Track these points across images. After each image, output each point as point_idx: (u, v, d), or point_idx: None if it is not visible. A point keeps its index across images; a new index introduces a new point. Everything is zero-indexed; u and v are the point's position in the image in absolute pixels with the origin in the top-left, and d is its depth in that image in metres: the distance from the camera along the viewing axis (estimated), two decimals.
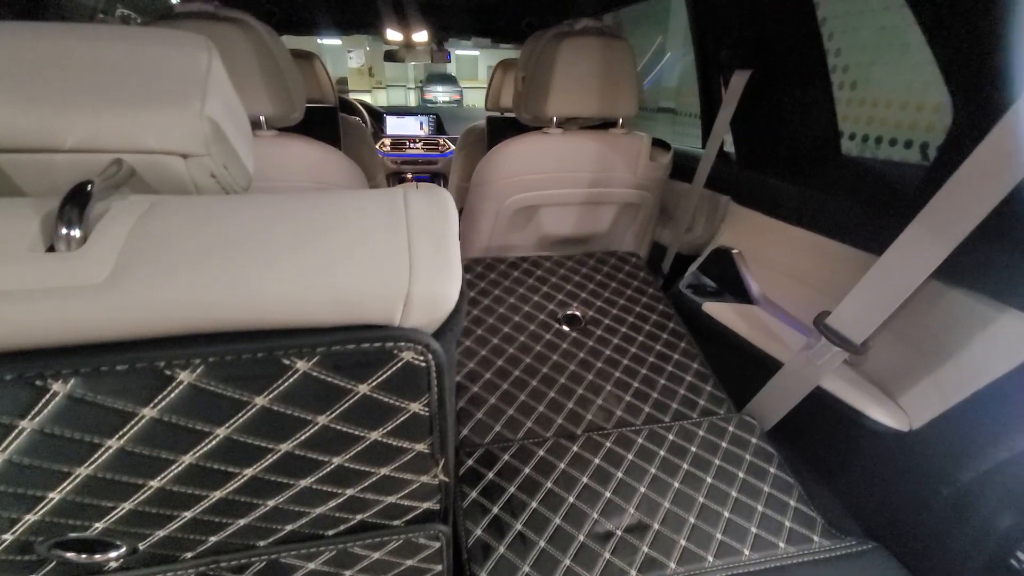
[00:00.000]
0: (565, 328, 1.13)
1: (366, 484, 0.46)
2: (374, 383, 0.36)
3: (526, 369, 1.03)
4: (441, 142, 3.17)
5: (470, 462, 0.84)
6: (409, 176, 3.18)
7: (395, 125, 3.28)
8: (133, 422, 0.33)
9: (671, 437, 0.91)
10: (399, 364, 0.36)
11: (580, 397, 0.99)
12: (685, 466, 0.85)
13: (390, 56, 2.95)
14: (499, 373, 1.02)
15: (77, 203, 0.31)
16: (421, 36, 2.48)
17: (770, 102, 1.19)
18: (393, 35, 2.48)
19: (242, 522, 0.45)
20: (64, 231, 0.30)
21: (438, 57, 2.68)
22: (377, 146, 3.01)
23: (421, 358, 0.36)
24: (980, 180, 0.65)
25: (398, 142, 3.15)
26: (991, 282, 0.69)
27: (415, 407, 0.39)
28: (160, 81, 0.40)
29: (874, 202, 0.93)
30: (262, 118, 1.09)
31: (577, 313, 1.18)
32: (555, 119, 1.26)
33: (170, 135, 0.38)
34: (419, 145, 3.15)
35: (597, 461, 0.85)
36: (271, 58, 1.04)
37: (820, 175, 1.11)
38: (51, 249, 0.31)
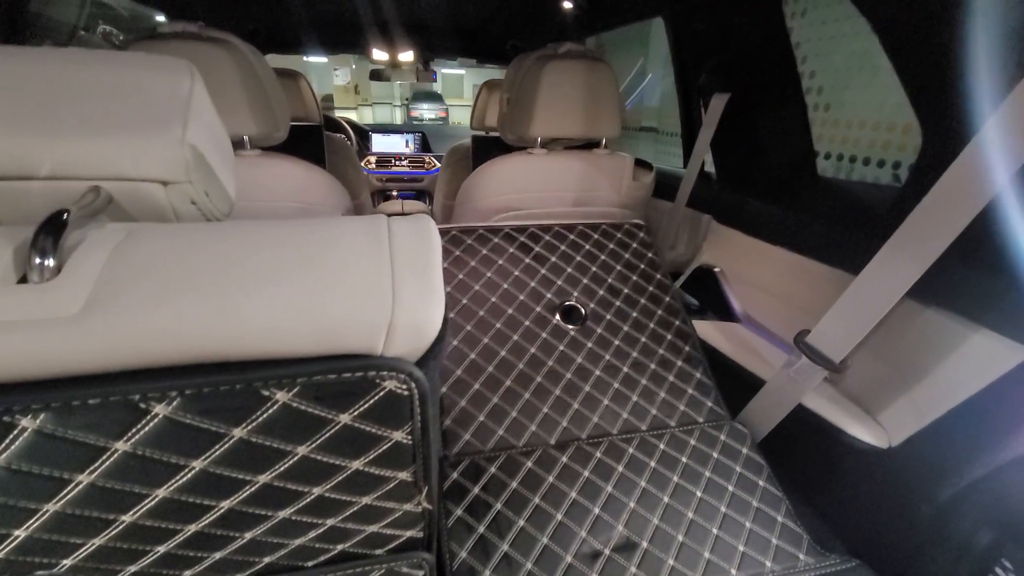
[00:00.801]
0: (563, 324, 1.04)
1: (347, 513, 0.45)
2: (356, 412, 0.36)
3: (518, 378, 0.97)
4: (427, 160, 3.18)
5: (455, 475, 0.81)
6: (394, 193, 3.18)
7: (380, 143, 3.29)
8: (105, 456, 0.32)
9: (662, 446, 0.89)
10: (381, 393, 0.35)
11: (575, 412, 0.94)
12: (675, 479, 0.84)
13: (376, 75, 2.98)
14: (489, 381, 0.95)
15: (52, 232, 0.31)
16: (407, 56, 2.51)
17: (748, 124, 1.22)
18: (379, 55, 2.50)
19: (218, 555, 0.43)
20: (37, 261, 0.30)
21: (423, 76, 2.70)
22: (362, 163, 3.01)
23: (404, 387, 0.35)
24: (949, 203, 0.67)
25: (383, 159, 3.15)
26: (963, 302, 0.71)
27: (398, 435, 0.39)
28: (141, 107, 0.40)
29: (850, 222, 0.95)
30: (245, 138, 1.08)
31: (577, 305, 1.08)
32: (539, 139, 1.28)
33: (150, 162, 0.37)
34: (404, 163, 3.16)
35: (586, 474, 0.83)
36: (255, 79, 1.04)
37: (797, 196, 1.14)
38: (24, 280, 0.30)
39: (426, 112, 10.00)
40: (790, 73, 1.12)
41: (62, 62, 0.41)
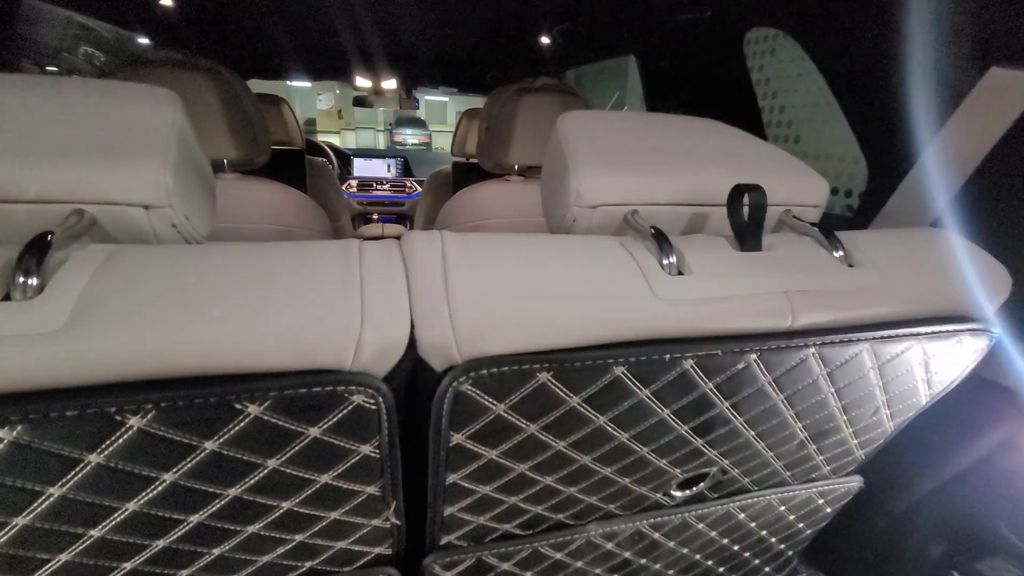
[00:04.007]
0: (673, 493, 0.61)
1: (316, 529, 0.46)
2: (325, 426, 0.38)
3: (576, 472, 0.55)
4: (408, 184, 3.22)
5: None
6: (375, 217, 3.20)
7: (362, 167, 3.33)
8: (78, 468, 0.33)
9: (742, 517, 0.66)
10: (350, 407, 0.37)
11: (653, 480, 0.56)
12: (707, 562, 0.73)
13: (359, 101, 3.03)
14: (524, 479, 0.53)
15: (36, 253, 0.32)
16: (390, 84, 2.56)
17: None
18: (362, 82, 2.55)
19: (184, 573, 0.44)
20: (21, 280, 0.31)
21: (406, 104, 2.76)
22: (344, 187, 3.04)
23: (372, 401, 0.37)
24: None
25: (365, 183, 3.18)
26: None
27: (366, 449, 0.40)
28: (126, 134, 0.42)
29: None
30: (225, 161, 1.10)
31: (714, 471, 0.59)
32: (516, 167, 1.33)
33: (133, 187, 0.39)
34: (386, 187, 3.20)
35: (627, 554, 0.64)
36: (238, 105, 1.06)
37: None
38: (7, 298, 0.31)
39: (409, 137, 10.08)
40: (752, 111, 1.19)
41: (52, 89, 0.43)
